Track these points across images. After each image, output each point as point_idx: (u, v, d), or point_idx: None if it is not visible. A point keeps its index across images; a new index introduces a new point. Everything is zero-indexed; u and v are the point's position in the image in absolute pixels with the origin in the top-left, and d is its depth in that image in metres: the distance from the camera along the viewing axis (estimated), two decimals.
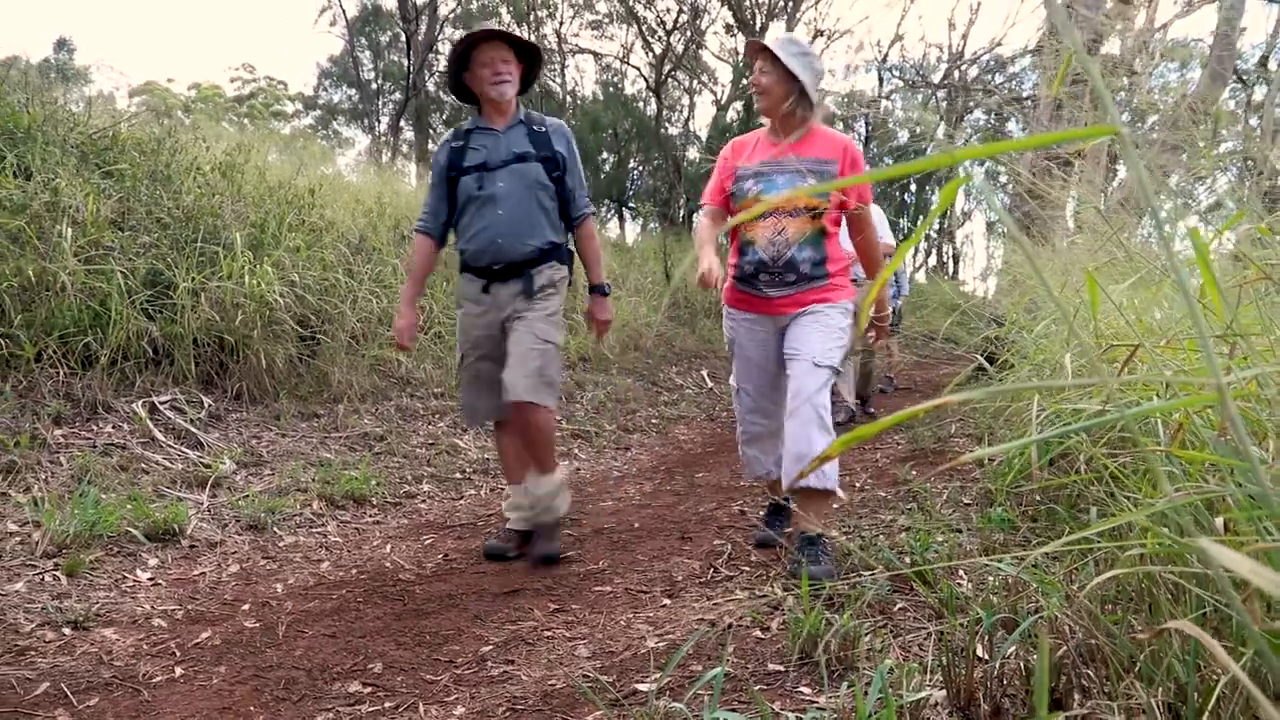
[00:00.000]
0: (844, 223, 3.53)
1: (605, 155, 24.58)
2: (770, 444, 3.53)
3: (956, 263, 33.87)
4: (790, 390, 3.23)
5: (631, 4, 19.81)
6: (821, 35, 20.59)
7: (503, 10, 21.85)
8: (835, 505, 3.26)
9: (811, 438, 3.07)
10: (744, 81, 18.92)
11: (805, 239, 3.33)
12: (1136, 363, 2.12)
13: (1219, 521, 1.44)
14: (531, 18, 19.64)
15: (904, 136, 27.47)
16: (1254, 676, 1.35)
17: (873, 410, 7.78)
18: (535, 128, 3.75)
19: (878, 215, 6.85)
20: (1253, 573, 0.52)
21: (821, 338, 3.26)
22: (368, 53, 26.27)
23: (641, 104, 23.44)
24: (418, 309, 3.78)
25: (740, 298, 3.50)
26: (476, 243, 3.64)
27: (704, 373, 9.97)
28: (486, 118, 3.74)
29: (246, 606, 3.03)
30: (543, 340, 3.57)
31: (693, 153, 22.58)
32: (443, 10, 22.67)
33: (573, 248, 3.89)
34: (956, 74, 23.57)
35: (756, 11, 18.54)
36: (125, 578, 3.21)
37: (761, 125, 3.58)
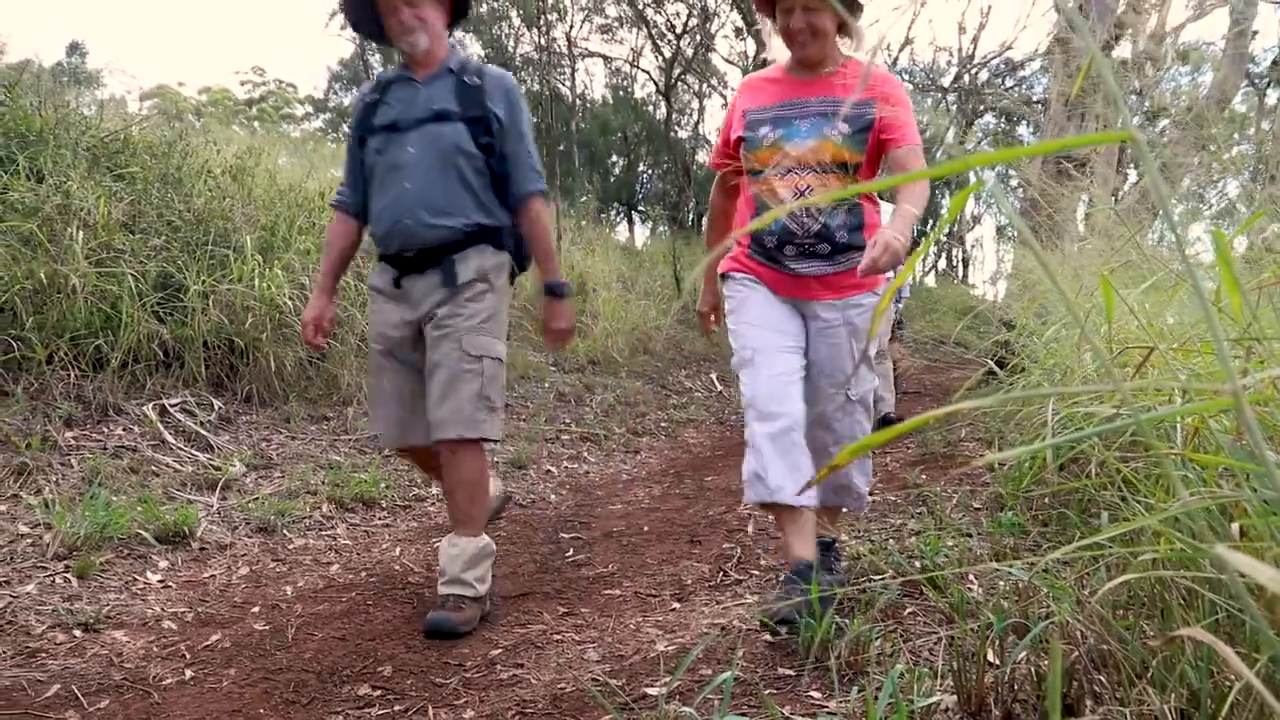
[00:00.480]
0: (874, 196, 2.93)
1: (615, 158, 24.64)
2: (793, 444, 2.62)
3: (966, 266, 33.80)
4: (820, 423, 2.80)
5: (641, 8, 19.82)
6: None
7: (512, 13, 21.89)
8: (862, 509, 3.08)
9: (851, 474, 2.92)
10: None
11: (837, 199, 2.66)
12: (1149, 367, 2.11)
13: (1235, 527, 1.43)
14: (541, 21, 19.65)
15: None
16: (1268, 683, 1.34)
17: (889, 411, 7.64)
18: (467, 79, 2.97)
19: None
20: (1272, 580, 0.52)
21: (859, 357, 2.84)
22: (378, 56, 26.32)
23: (651, 108, 23.49)
24: (336, 301, 3.26)
25: (759, 269, 2.83)
26: (381, 224, 2.97)
27: (713, 376, 9.97)
28: (410, 66, 3.02)
29: (256, 609, 3.03)
30: (474, 357, 2.88)
31: (702, 156, 22.59)
32: None
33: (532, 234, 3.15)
34: (967, 78, 23.54)
35: None
36: (135, 580, 3.22)
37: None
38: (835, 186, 2.66)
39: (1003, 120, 25.30)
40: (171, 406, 4.67)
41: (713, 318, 3.12)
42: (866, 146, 2.68)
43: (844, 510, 3.09)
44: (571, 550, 3.82)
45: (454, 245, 2.92)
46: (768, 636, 2.50)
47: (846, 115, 2.68)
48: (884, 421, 6.74)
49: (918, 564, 2.93)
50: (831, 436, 2.80)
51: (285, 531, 3.90)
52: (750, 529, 3.99)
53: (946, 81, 24.31)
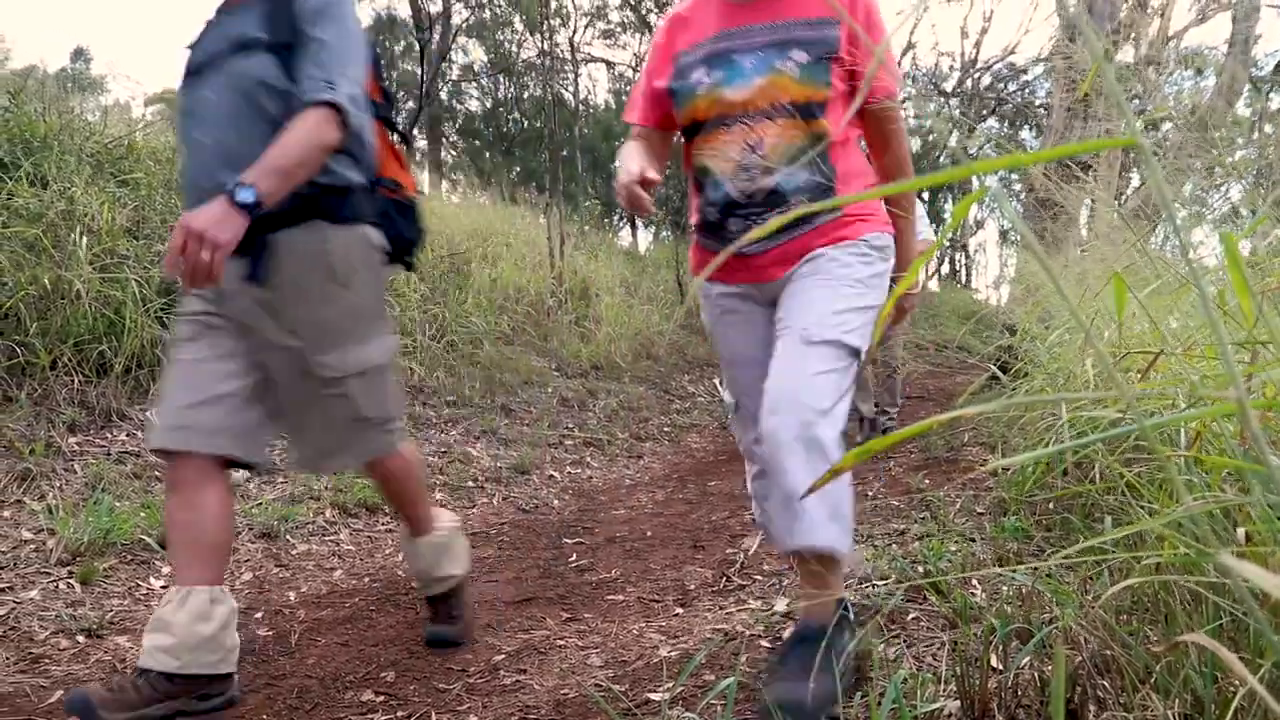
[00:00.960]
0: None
1: (618, 164, 24.67)
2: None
3: (969, 271, 33.81)
4: (767, 388, 1.94)
5: (644, 13, 19.85)
6: None
7: (515, 19, 21.93)
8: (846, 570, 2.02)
9: (791, 469, 1.85)
10: None
11: (796, 153, 2.05)
12: (1154, 371, 2.11)
13: (1240, 532, 1.43)
14: (544, 27, 19.69)
15: (916, 145, 27.48)
16: (1273, 689, 1.34)
17: (892, 424, 7.24)
18: None
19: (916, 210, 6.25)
20: (1276, 587, 0.52)
21: (826, 296, 2.02)
22: (381, 61, 26.39)
23: None
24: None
25: (707, 260, 2.28)
26: (185, 194, 2.25)
27: (716, 381, 9.96)
28: None
29: (259, 615, 3.03)
30: (332, 380, 2.26)
31: None
32: (456, 20, 22.74)
33: (405, 197, 2.47)
34: (969, 82, 23.56)
35: None
36: (139, 585, 3.22)
37: None
38: (798, 135, 2.05)
39: (1005, 124, 25.34)
40: None
41: (646, 182, 2.06)
42: (832, 78, 2.06)
43: (813, 546, 1.90)
44: (575, 555, 3.81)
45: (273, 218, 2.13)
46: (771, 642, 2.50)
47: (802, 39, 2.06)
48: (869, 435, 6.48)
49: (921, 569, 2.93)
50: (782, 402, 1.90)
51: (288, 537, 3.90)
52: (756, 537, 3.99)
53: (949, 86, 24.34)
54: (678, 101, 2.19)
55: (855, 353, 1.97)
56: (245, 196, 1.96)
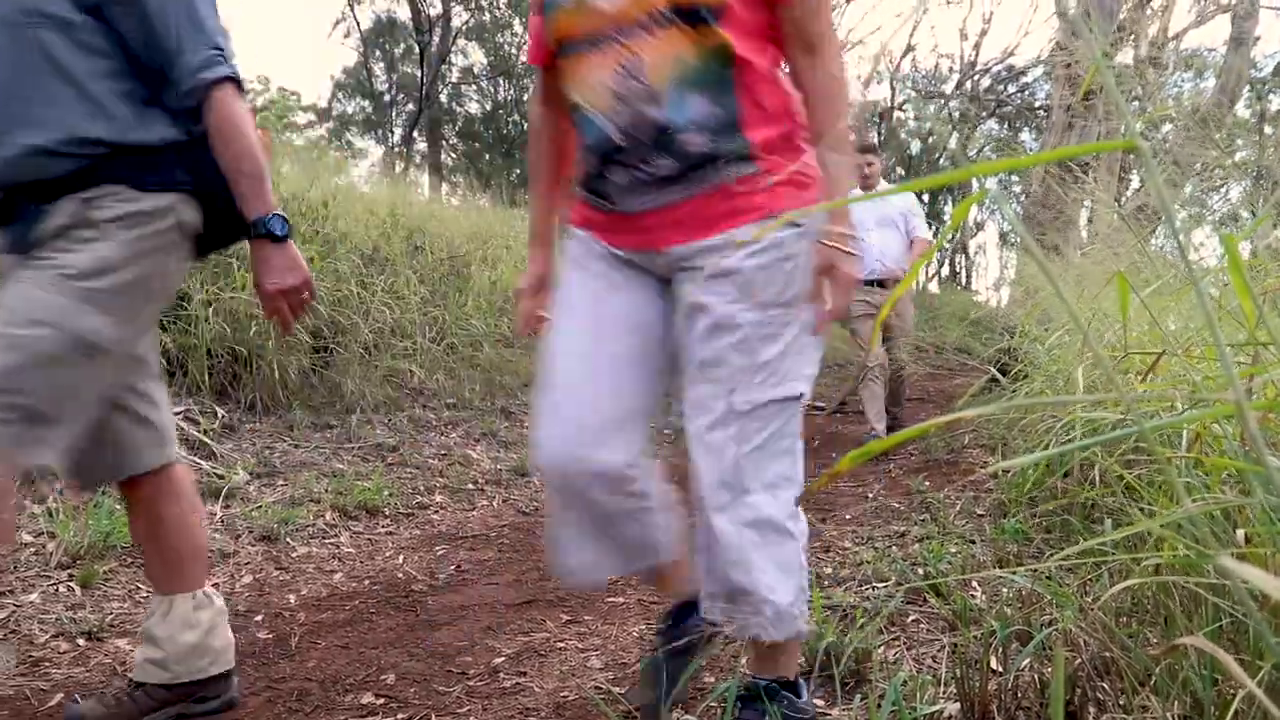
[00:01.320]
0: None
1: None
2: (599, 525, 1.98)
3: (969, 273, 33.82)
4: (698, 474, 1.74)
5: None
6: None
7: (515, 21, 21.94)
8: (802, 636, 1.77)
9: (751, 562, 1.64)
10: None
11: (687, 75, 1.57)
12: (1155, 373, 2.11)
13: (1240, 534, 1.42)
14: None
15: (916, 147, 27.51)
16: (1272, 692, 1.34)
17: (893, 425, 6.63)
18: None
19: (912, 205, 6.18)
20: (1275, 589, 0.52)
21: (749, 340, 1.64)
22: (381, 64, 26.43)
23: None
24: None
25: (589, 216, 1.81)
26: None
27: None
28: None
29: (259, 618, 3.03)
30: (20, 324, 1.66)
31: None
32: (455, 22, 22.79)
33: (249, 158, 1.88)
34: (969, 84, 23.58)
35: None
36: (139, 588, 3.22)
37: None
38: (687, 51, 1.57)
39: (1005, 126, 25.37)
40: (175, 415, 4.68)
41: (536, 308, 1.93)
42: None
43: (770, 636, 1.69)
44: None
45: (42, 186, 1.75)
46: None
47: None
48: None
49: (921, 571, 2.93)
50: (724, 490, 1.70)
51: (288, 539, 3.90)
52: None
53: (949, 88, 24.36)
54: (548, 19, 1.71)
55: (797, 397, 1.68)
56: (279, 228, 1.86)
